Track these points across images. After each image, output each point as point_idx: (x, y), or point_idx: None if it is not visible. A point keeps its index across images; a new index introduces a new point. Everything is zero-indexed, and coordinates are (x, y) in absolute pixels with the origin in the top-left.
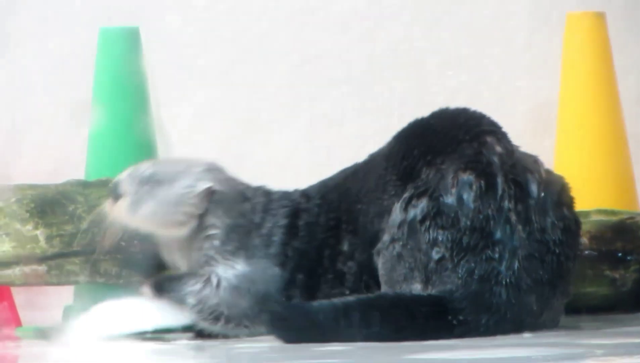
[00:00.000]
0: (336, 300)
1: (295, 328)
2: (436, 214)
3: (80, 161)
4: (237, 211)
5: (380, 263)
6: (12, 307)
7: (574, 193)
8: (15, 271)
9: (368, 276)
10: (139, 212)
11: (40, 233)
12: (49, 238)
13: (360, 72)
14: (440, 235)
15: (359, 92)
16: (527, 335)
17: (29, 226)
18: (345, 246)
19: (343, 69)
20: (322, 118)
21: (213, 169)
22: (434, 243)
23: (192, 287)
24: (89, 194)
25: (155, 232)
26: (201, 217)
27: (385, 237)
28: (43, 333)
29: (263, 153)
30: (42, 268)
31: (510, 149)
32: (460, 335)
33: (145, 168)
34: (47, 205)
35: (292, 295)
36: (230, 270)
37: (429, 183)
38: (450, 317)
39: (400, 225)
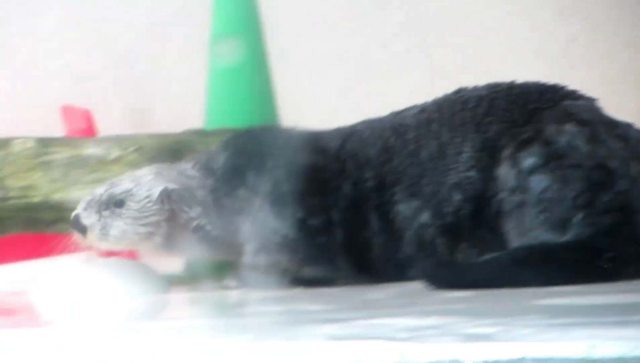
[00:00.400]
0: (487, 257)
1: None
2: (556, 158)
3: (199, 110)
4: (200, 194)
5: (503, 221)
6: (134, 254)
7: None
8: None
9: (432, 241)
10: (110, 238)
11: None
12: None
13: (476, 21)
14: (567, 176)
15: (474, 41)
16: None
17: None
18: (400, 211)
19: (458, 18)
20: (439, 67)
21: (160, 171)
22: (562, 184)
23: (254, 259)
24: (207, 143)
25: (134, 247)
26: (171, 219)
27: (504, 195)
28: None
29: (380, 102)
30: None
31: (597, 107)
32: (614, 273)
33: (99, 194)
34: (166, 154)
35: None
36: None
37: (534, 136)
38: (601, 257)
39: (516, 178)
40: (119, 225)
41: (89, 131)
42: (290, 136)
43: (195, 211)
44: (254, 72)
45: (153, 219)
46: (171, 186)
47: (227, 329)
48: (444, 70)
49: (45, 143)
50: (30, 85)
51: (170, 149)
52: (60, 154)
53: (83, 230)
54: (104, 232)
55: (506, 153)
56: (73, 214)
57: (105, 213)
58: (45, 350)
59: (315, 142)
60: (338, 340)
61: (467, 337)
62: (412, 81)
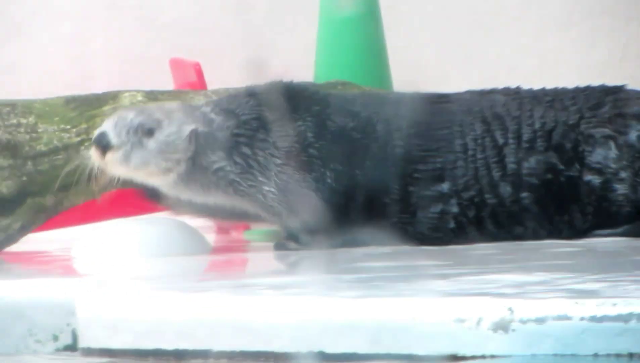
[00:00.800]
0: None
1: None
2: None
3: (309, 63)
4: (221, 137)
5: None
6: None
7: None
8: None
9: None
10: (131, 164)
11: None
12: None
13: None
14: None
15: None
16: None
17: None
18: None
19: None
20: (551, 21)
21: (192, 111)
22: None
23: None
24: None
25: (146, 180)
26: (192, 159)
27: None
28: (271, 236)
29: (492, 55)
30: None
31: None
32: None
33: (131, 117)
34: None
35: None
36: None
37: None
38: None
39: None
40: (142, 154)
41: (198, 84)
42: (323, 96)
43: (217, 155)
44: (366, 26)
45: (176, 156)
46: (200, 127)
47: (341, 285)
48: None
49: (153, 96)
50: (140, 38)
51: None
52: None
53: (106, 147)
54: (126, 157)
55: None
56: (98, 131)
57: (133, 138)
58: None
59: (350, 105)
60: (449, 296)
61: (574, 293)
62: (525, 36)
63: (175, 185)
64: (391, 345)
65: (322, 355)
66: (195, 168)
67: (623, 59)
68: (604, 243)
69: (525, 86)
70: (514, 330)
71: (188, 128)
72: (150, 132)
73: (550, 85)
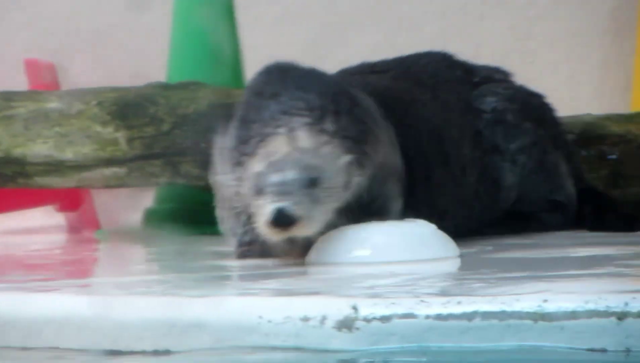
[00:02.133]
0: None
1: None
2: None
3: (161, 64)
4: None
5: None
6: (92, 210)
7: None
8: (96, 174)
9: None
10: (318, 224)
11: (121, 136)
12: (129, 141)
13: None
14: None
15: None
16: None
17: (110, 129)
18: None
19: None
20: (403, 20)
21: (318, 138)
22: None
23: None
24: (170, 96)
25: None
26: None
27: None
28: (123, 235)
29: (343, 55)
30: (122, 170)
31: None
32: None
33: (292, 176)
34: (128, 108)
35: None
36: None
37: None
38: None
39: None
40: (322, 208)
41: (52, 85)
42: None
43: (368, 168)
44: (220, 25)
45: (344, 193)
46: (351, 156)
47: (187, 284)
48: (410, 23)
49: (7, 97)
50: None
51: (133, 103)
52: (22, 108)
53: (292, 224)
54: (315, 221)
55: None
56: (276, 207)
57: (306, 198)
58: None
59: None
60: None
61: (420, 291)
62: (377, 34)
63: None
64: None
65: (168, 354)
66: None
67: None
68: None
69: None
70: (358, 329)
71: (344, 159)
72: (315, 183)
73: None
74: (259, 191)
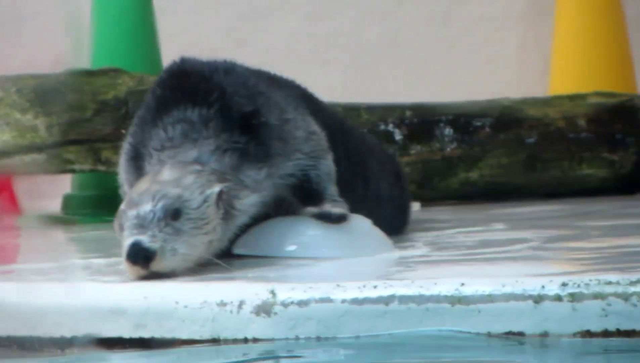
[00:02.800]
0: None
1: None
2: None
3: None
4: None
5: None
6: (13, 196)
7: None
8: (15, 161)
9: None
10: (179, 257)
11: (40, 123)
12: (48, 127)
13: None
14: None
15: None
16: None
17: (29, 116)
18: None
19: None
20: (322, 6)
21: (186, 169)
22: None
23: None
24: (92, 83)
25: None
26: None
27: None
28: (43, 221)
29: (263, 41)
30: (42, 156)
31: None
32: None
33: (149, 208)
34: (47, 95)
35: None
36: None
37: None
38: None
39: None
40: (185, 240)
41: None
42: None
43: (249, 200)
44: (137, 12)
45: (213, 224)
46: (222, 185)
47: (107, 270)
48: (329, 9)
49: None
50: None
51: (53, 90)
52: None
53: (150, 257)
54: (172, 254)
55: None
56: (130, 242)
57: (167, 229)
58: None
59: None
60: (212, 280)
61: (336, 276)
62: (296, 21)
63: (217, 244)
64: (155, 330)
65: (89, 340)
66: (228, 220)
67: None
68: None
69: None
70: (276, 314)
71: (212, 191)
72: (178, 214)
73: (320, 70)
74: (121, 228)
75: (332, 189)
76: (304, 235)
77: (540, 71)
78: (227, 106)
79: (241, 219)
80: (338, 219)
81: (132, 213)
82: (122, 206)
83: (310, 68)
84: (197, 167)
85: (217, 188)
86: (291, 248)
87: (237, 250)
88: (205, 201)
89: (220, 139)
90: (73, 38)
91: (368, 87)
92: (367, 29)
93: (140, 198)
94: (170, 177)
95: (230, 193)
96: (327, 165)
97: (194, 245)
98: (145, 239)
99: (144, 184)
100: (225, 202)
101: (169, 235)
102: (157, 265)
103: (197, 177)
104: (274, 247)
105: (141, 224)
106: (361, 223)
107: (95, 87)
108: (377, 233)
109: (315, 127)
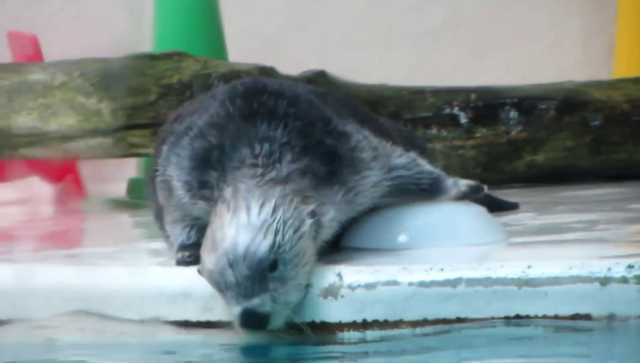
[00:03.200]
0: None
1: None
2: None
3: (147, 35)
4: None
5: None
6: (78, 180)
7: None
8: (80, 145)
9: None
10: (291, 305)
11: (105, 106)
12: (113, 111)
13: None
14: None
15: None
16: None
17: (93, 100)
18: None
19: None
20: None
21: (277, 195)
22: None
23: None
24: (155, 66)
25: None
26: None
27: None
28: (109, 205)
29: (323, 25)
30: (106, 140)
31: None
32: None
33: (244, 275)
34: (111, 78)
35: None
36: None
37: None
38: None
39: None
40: (292, 286)
41: (35, 57)
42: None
43: (330, 216)
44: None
45: (310, 253)
46: (310, 206)
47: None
48: None
49: None
50: None
51: (117, 73)
52: (6, 80)
53: (266, 321)
54: (286, 306)
55: None
56: (240, 312)
57: (272, 285)
58: None
59: None
60: None
61: (403, 258)
62: (355, 7)
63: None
64: (221, 313)
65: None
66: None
67: None
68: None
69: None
70: (342, 297)
71: (305, 224)
72: (274, 265)
73: (383, 54)
74: (220, 289)
75: (433, 171)
76: (413, 225)
77: (605, 54)
78: (305, 130)
79: (326, 234)
80: (475, 191)
81: (230, 280)
82: (211, 265)
83: (372, 53)
84: (279, 190)
85: (309, 219)
86: (402, 239)
87: (346, 244)
88: (299, 238)
89: (302, 162)
90: (135, 21)
91: (432, 71)
92: (429, 12)
93: (233, 257)
94: (255, 216)
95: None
96: (405, 163)
97: (300, 283)
98: (255, 305)
99: (228, 228)
100: (316, 222)
101: (275, 291)
102: (275, 324)
103: (285, 207)
104: (383, 239)
105: (245, 293)
106: (474, 210)
107: (159, 71)
108: (491, 221)
109: (376, 141)
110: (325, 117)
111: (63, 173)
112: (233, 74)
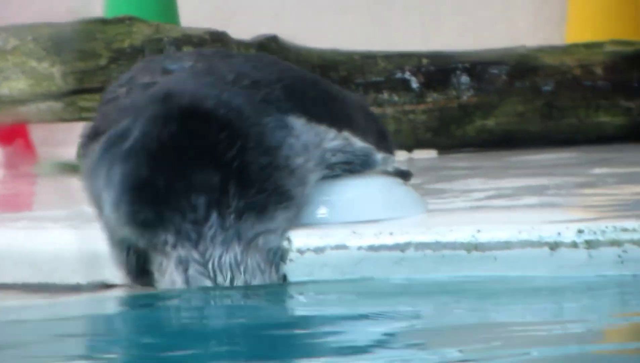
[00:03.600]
0: None
1: None
2: None
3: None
4: None
5: None
6: (29, 144)
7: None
8: (31, 109)
9: None
10: None
11: (56, 70)
12: (64, 75)
13: None
14: None
15: None
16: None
17: (45, 64)
18: None
19: None
20: None
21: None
22: None
23: None
24: (107, 31)
25: None
26: None
27: None
28: (59, 169)
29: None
30: (57, 104)
31: None
32: None
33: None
34: (63, 43)
35: None
36: None
37: None
38: None
39: None
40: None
41: None
42: None
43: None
44: None
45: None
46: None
47: None
48: None
49: None
50: None
51: (68, 38)
52: None
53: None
54: None
55: None
56: None
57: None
58: None
59: None
60: None
61: (353, 223)
62: None
63: None
64: None
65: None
66: None
67: None
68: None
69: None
70: (291, 260)
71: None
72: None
73: (336, 19)
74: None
75: (364, 147)
76: (332, 199)
77: (557, 19)
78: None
79: None
80: (402, 175)
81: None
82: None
83: (326, 17)
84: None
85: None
86: (322, 213)
87: None
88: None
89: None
90: None
91: (385, 36)
92: None
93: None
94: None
95: None
96: (340, 147)
97: None
98: None
99: None
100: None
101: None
102: None
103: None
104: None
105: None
106: (391, 183)
107: (110, 35)
108: (412, 193)
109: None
110: (256, 135)
111: (13, 137)
112: (185, 39)
